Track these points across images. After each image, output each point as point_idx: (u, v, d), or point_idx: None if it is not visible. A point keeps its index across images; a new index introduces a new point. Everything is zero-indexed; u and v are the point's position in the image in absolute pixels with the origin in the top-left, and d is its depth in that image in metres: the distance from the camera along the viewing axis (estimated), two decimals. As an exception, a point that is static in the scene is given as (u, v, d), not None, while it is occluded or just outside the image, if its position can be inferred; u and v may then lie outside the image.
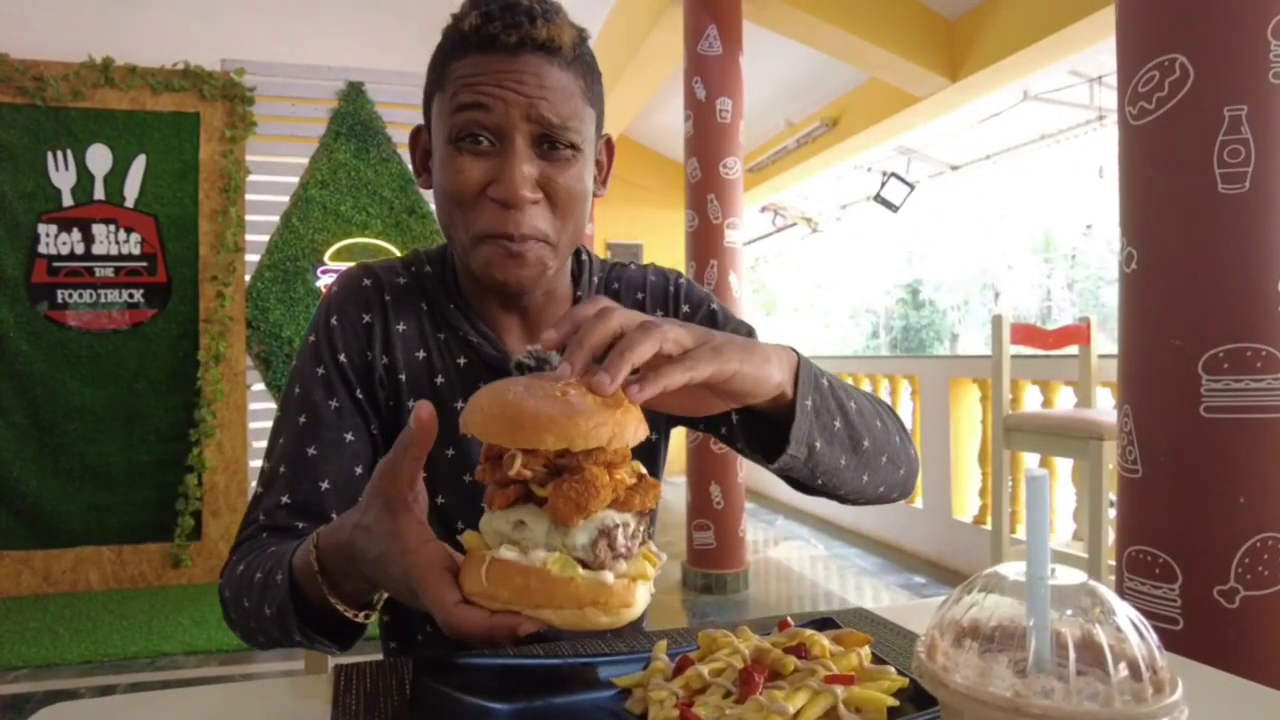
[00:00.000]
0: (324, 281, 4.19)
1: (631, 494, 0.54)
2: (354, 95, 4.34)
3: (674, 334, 0.59)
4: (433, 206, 4.35)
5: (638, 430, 0.53)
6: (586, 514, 0.51)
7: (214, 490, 4.05)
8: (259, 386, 4.16)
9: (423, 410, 0.56)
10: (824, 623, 0.74)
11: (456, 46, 0.79)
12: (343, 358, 0.87)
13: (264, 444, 3.76)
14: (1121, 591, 1.61)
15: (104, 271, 4.01)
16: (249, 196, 4.17)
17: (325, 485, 0.83)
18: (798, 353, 0.71)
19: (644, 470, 0.57)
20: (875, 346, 20.73)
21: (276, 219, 4.20)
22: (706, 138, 4.07)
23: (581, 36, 0.82)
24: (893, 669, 0.62)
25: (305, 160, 4.25)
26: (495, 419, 0.52)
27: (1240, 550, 1.45)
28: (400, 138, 4.37)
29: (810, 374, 0.71)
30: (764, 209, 9.20)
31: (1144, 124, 1.55)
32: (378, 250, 4.30)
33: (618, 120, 6.48)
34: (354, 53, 4.83)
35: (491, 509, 0.55)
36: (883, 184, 6.95)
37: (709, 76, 4.06)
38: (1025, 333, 3.32)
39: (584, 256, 0.98)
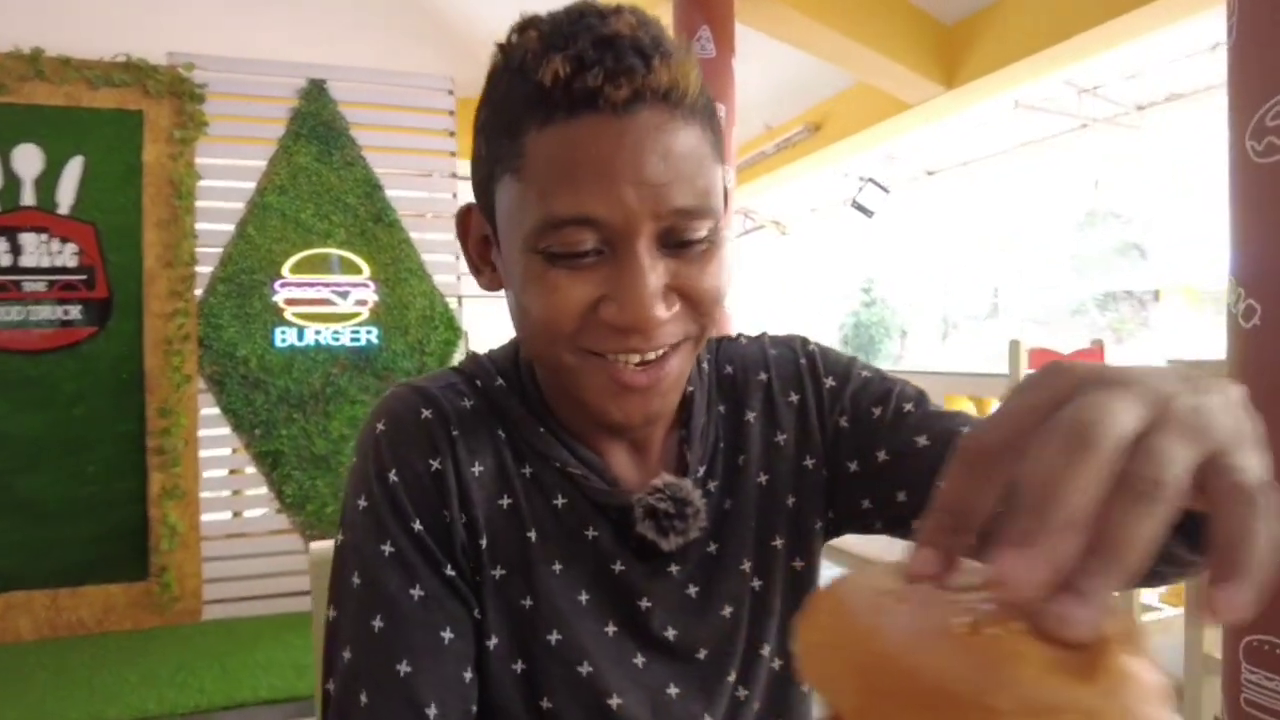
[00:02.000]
0: (282, 296, 3.86)
1: None
2: (316, 93, 4.00)
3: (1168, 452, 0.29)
4: (402, 214, 4.07)
5: None
6: None
7: (162, 524, 3.69)
8: (211, 410, 3.81)
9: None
10: None
11: (532, 107, 0.55)
12: (418, 526, 0.62)
13: (217, 473, 3.33)
14: (1239, 686, 1.44)
15: (34, 286, 3.61)
16: (200, 203, 3.81)
17: (433, 711, 0.60)
18: None
19: None
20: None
21: (231, 228, 3.84)
22: (700, 146, 3.86)
23: (698, 65, 0.58)
24: None
25: (262, 164, 3.90)
26: (878, 684, 0.28)
27: (1386, 648, 1.28)
28: (366, 139, 4.06)
29: None
30: (735, 211, 9.05)
31: (1271, 162, 1.37)
32: (341, 263, 3.97)
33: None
34: (315, 47, 4.49)
35: None
36: (860, 189, 6.83)
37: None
38: (1041, 356, 3.20)
39: None
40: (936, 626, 0.28)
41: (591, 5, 0.56)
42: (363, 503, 0.64)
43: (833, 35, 4.21)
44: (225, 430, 3.82)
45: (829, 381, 0.75)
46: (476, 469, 0.65)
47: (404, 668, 0.60)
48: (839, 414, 0.73)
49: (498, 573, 0.65)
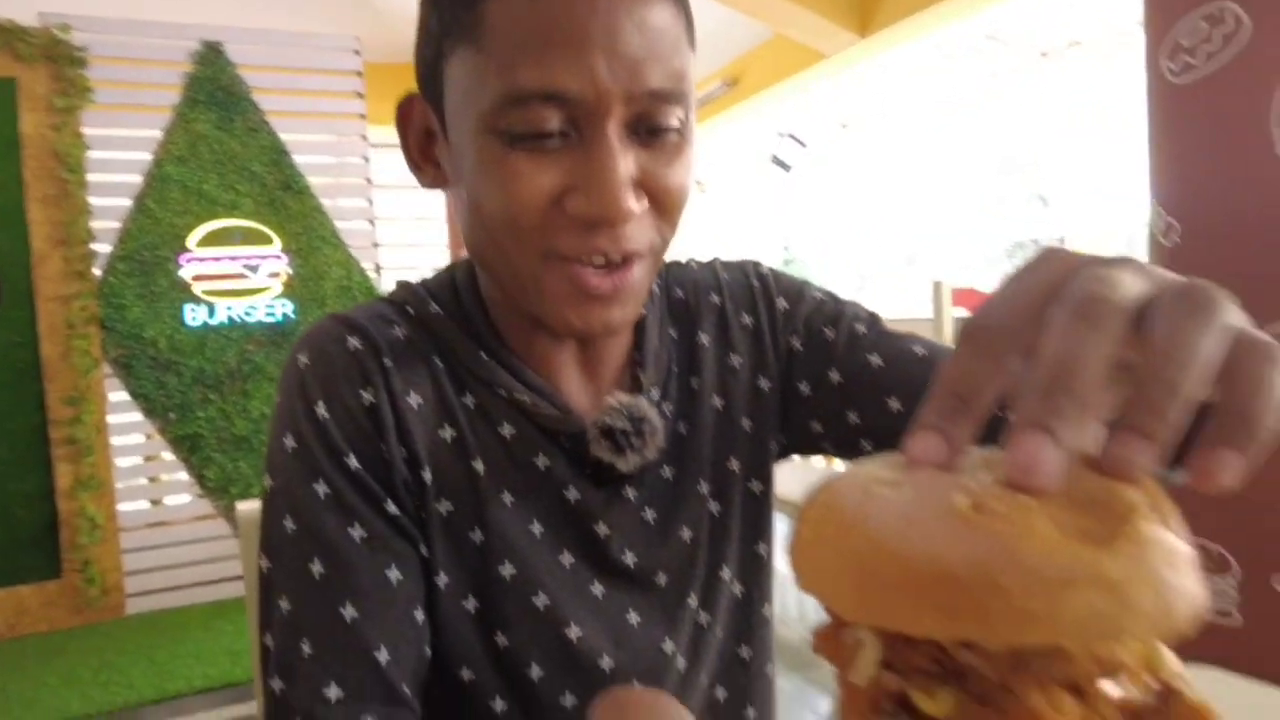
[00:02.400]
0: (189, 272, 3.65)
1: None
2: (211, 57, 3.77)
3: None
4: (312, 181, 3.89)
5: (1171, 601, 0.24)
6: None
7: (78, 517, 3.49)
8: (120, 396, 3.60)
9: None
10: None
11: None
12: (353, 462, 0.58)
13: (130, 461, 3.15)
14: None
15: (-94, 273, 3.33)
16: (91, 177, 3.55)
17: (383, 655, 0.55)
18: None
19: (1176, 671, 0.27)
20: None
21: (128, 202, 3.60)
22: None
23: None
24: None
25: (158, 133, 3.66)
26: (872, 576, 0.25)
27: (1300, 540, 1.37)
28: (270, 104, 3.85)
29: None
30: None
31: (1187, 82, 1.41)
32: (250, 234, 3.78)
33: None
34: (204, 7, 4.21)
35: (847, 715, 0.29)
36: (778, 144, 6.87)
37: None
38: (965, 296, 3.29)
39: None
40: (935, 508, 0.25)
41: None
42: (290, 443, 0.59)
43: (748, -16, 4.19)
44: (136, 416, 3.62)
45: (781, 303, 0.73)
46: (413, 400, 0.61)
47: (349, 612, 0.55)
48: (792, 335, 0.72)
49: (444, 508, 0.61)
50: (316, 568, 0.56)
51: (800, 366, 0.71)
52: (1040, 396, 0.25)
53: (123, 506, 3.62)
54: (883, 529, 0.25)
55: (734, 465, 0.70)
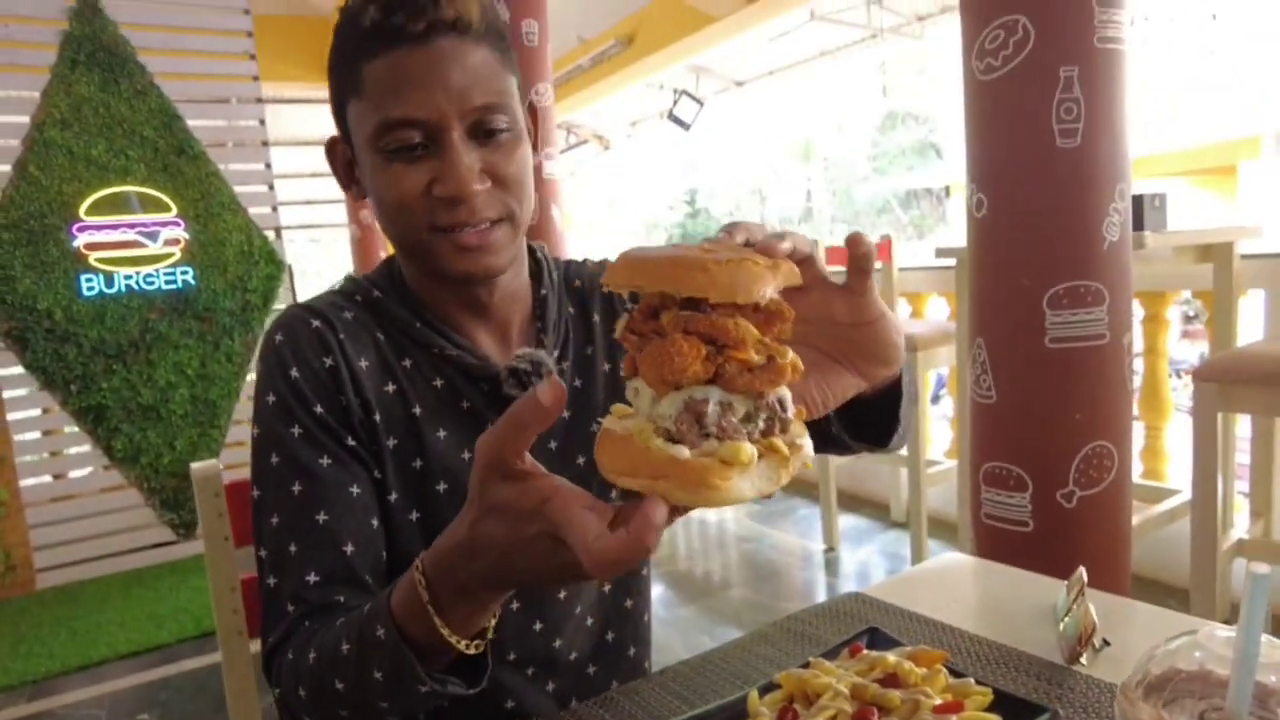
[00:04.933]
0: (82, 241, 3.59)
1: (740, 370, 0.46)
2: (88, 14, 3.65)
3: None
4: (205, 144, 3.84)
5: (739, 288, 0.45)
6: (672, 383, 0.47)
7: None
8: (14, 370, 3.55)
9: (555, 388, 0.49)
10: (871, 632, 0.78)
11: (361, 46, 0.74)
12: (319, 409, 0.78)
13: (29, 436, 3.24)
14: (979, 502, 1.83)
15: None
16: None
17: (349, 549, 0.76)
18: None
19: (789, 355, 0.49)
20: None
21: (7, 169, 3.50)
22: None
23: (485, 2, 0.77)
24: (972, 680, 0.66)
25: (36, 95, 3.55)
26: (618, 265, 0.48)
27: (1077, 458, 1.69)
28: (158, 65, 3.77)
29: None
30: (557, 126, 9.02)
31: (991, 79, 1.67)
32: (146, 200, 3.73)
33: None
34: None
35: (624, 374, 0.52)
36: (675, 102, 7.03)
37: (511, -2, 3.84)
38: (837, 253, 3.57)
39: (540, 255, 0.94)
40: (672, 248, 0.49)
41: None
42: (271, 398, 0.79)
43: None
44: (25, 391, 3.56)
45: None
46: (362, 364, 0.81)
47: (322, 517, 0.75)
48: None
49: (391, 442, 0.81)
50: (296, 488, 0.76)
51: None
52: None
53: (25, 482, 3.59)
54: (644, 252, 0.48)
55: None
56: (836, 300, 0.60)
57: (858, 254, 0.58)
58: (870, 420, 0.73)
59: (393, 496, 0.81)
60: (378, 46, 0.73)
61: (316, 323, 0.81)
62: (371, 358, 0.82)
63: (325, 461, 0.77)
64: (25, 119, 3.54)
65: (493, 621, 0.61)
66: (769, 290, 0.46)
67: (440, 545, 0.57)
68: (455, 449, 0.83)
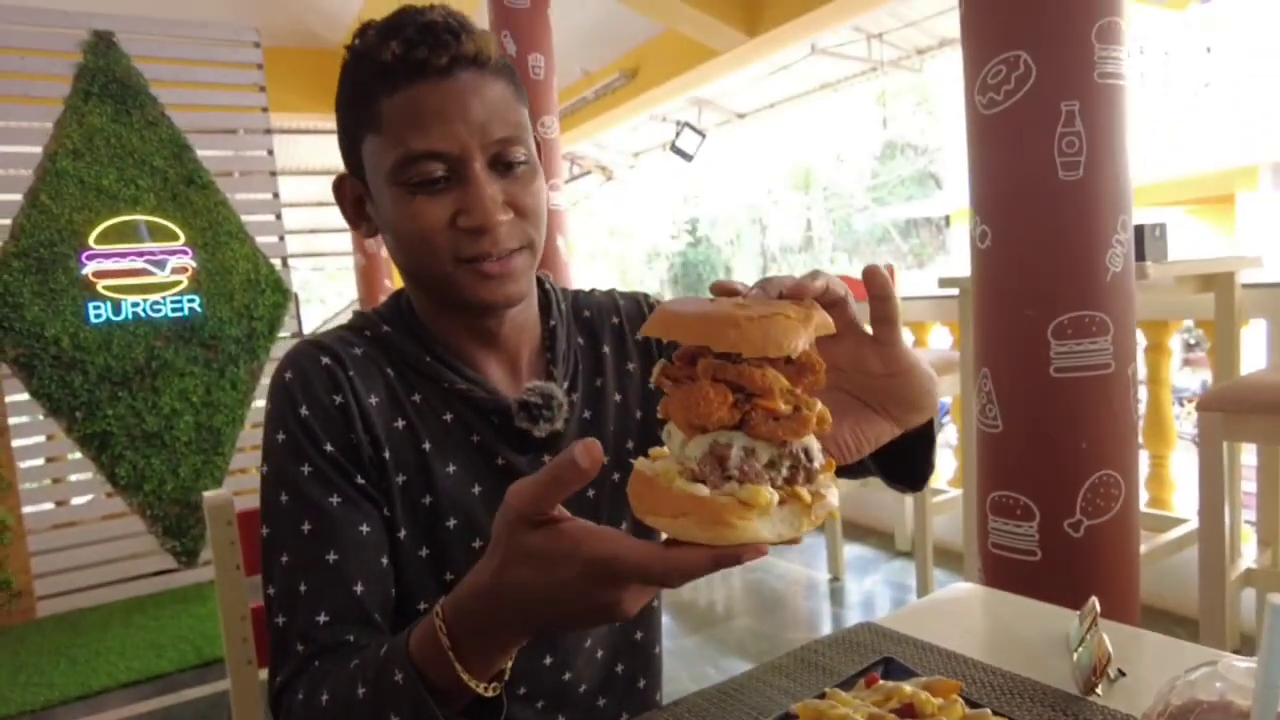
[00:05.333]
0: (91, 269, 3.62)
1: (765, 418, 0.48)
2: (103, 48, 3.71)
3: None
4: (214, 174, 3.89)
5: (772, 343, 0.46)
6: (699, 427, 0.49)
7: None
8: (20, 396, 3.56)
9: (594, 449, 0.50)
10: (886, 662, 0.78)
11: (379, 82, 0.75)
12: (329, 448, 0.78)
13: (33, 463, 3.24)
14: (986, 532, 1.83)
15: None
16: (-23, 172, 3.48)
17: (359, 588, 0.75)
18: None
19: (817, 406, 0.50)
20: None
21: (19, 198, 3.54)
22: (522, 97, 3.94)
23: (495, 39, 0.80)
24: (989, 710, 0.66)
25: (49, 126, 3.60)
26: (656, 319, 0.50)
27: (1084, 487, 1.70)
28: (169, 97, 3.83)
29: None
30: (561, 157, 9.12)
31: (993, 114, 1.70)
32: (155, 229, 3.76)
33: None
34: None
35: (660, 416, 0.54)
36: (677, 134, 7.11)
37: (518, 31, 3.90)
38: (845, 282, 3.60)
39: (548, 285, 0.94)
40: (702, 302, 0.50)
41: (411, 5, 0.77)
42: (281, 436, 0.78)
43: (641, -15, 4.38)
44: (29, 418, 3.57)
45: None
46: (372, 400, 0.81)
47: (333, 556, 0.75)
48: (672, 347, 0.97)
49: (400, 479, 0.80)
50: (306, 526, 0.76)
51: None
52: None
53: (28, 509, 3.58)
54: (681, 306, 0.50)
55: (630, 444, 0.93)
56: (868, 350, 0.61)
57: (878, 299, 0.59)
58: (904, 463, 0.74)
59: (402, 533, 0.81)
60: (398, 81, 0.73)
61: (326, 359, 0.81)
62: (381, 394, 0.82)
63: (335, 500, 0.77)
64: (38, 149, 3.58)
65: (509, 663, 0.61)
66: (800, 343, 0.47)
67: (461, 593, 0.57)
68: (465, 483, 0.83)
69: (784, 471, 0.50)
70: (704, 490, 0.47)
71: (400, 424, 0.81)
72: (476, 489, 0.83)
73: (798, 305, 0.50)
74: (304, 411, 0.78)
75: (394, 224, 0.78)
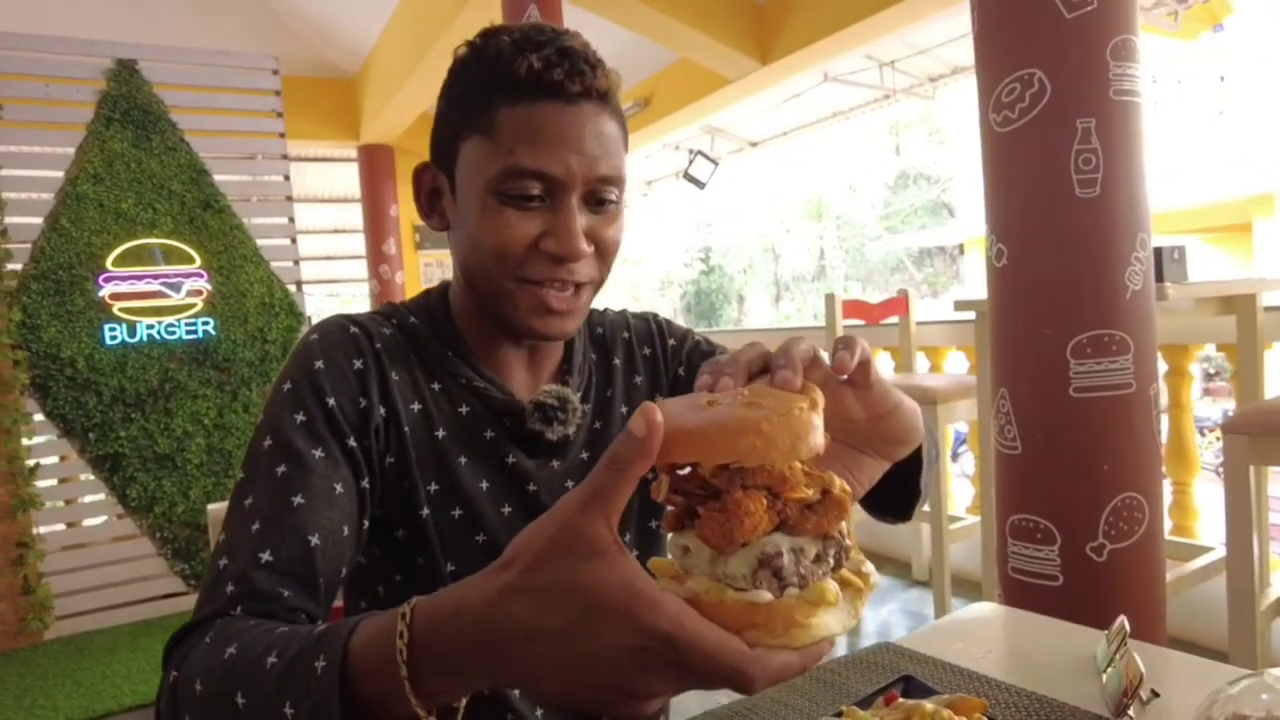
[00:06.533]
0: (108, 291, 3.65)
1: (806, 515, 0.47)
2: (126, 75, 3.78)
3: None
4: (230, 199, 3.93)
5: (800, 441, 0.44)
6: (740, 543, 0.45)
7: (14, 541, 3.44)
8: (35, 417, 3.57)
9: (652, 413, 0.42)
10: (905, 680, 0.75)
11: (502, 89, 0.75)
12: (331, 402, 0.76)
13: (48, 484, 3.17)
14: (1006, 556, 1.79)
15: None
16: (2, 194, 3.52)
17: (314, 540, 0.68)
18: None
19: (837, 483, 0.49)
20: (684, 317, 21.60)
21: (39, 221, 3.58)
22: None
23: (619, 78, 0.81)
24: (1014, 730, 0.63)
25: (71, 150, 3.65)
26: (669, 445, 0.46)
27: (1106, 510, 1.66)
28: (188, 123, 3.88)
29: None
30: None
31: (1008, 131, 1.69)
32: (171, 252, 3.80)
33: (426, 104, 6.15)
34: (116, 24, 4.20)
35: (664, 529, 0.50)
36: (690, 162, 7.15)
37: (534, 59, 3.93)
38: (854, 307, 3.58)
39: None
40: (695, 404, 0.48)
41: (547, 25, 0.78)
42: (287, 386, 0.76)
43: (654, 14, 4.43)
44: (48, 437, 3.58)
45: (671, 341, 1.00)
46: (395, 376, 0.81)
47: (298, 499, 0.70)
48: (678, 365, 0.99)
49: (414, 455, 0.80)
50: (281, 469, 0.71)
51: (683, 387, 0.97)
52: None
53: (41, 529, 3.58)
54: (685, 418, 0.46)
55: None
56: (848, 398, 0.58)
57: (859, 362, 0.56)
58: (892, 494, 0.72)
59: (400, 533, 0.80)
60: (523, 94, 0.74)
61: (354, 329, 0.81)
62: (404, 375, 0.82)
63: (318, 453, 0.73)
64: (59, 174, 3.63)
65: (463, 701, 0.51)
66: (822, 435, 0.46)
67: (443, 605, 0.47)
68: (474, 477, 0.83)
69: (830, 561, 0.48)
70: (765, 595, 0.45)
71: (417, 407, 0.82)
72: (484, 484, 0.83)
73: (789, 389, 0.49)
74: (318, 365, 0.77)
75: (475, 228, 0.77)
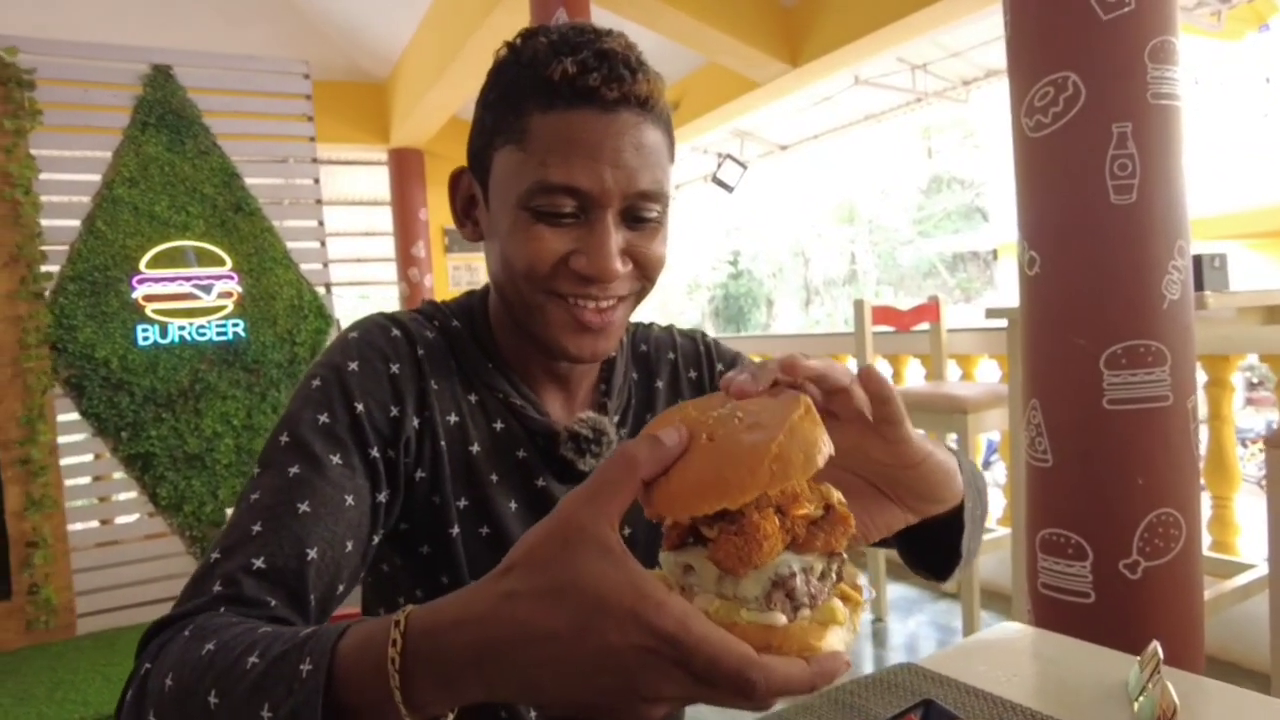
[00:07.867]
0: (141, 293, 3.71)
1: (814, 532, 0.47)
2: (161, 80, 3.84)
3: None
4: (261, 202, 3.98)
5: (813, 453, 0.44)
6: (754, 565, 0.45)
7: (29, 537, 3.51)
8: (71, 416, 3.64)
9: (676, 432, 0.44)
10: (926, 705, 0.72)
11: (539, 95, 0.70)
12: (359, 406, 0.72)
13: (81, 481, 3.16)
14: (1035, 571, 1.74)
15: None
16: (40, 198, 3.60)
17: (311, 554, 0.65)
18: None
19: (836, 497, 0.48)
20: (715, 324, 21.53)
21: (76, 224, 3.65)
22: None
23: (664, 83, 0.76)
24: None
25: (108, 155, 3.72)
26: (696, 498, 0.46)
27: (1140, 526, 1.60)
28: (220, 126, 3.94)
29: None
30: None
31: (1041, 136, 1.65)
32: (203, 254, 3.85)
33: (455, 107, 6.19)
34: (152, 30, 4.27)
35: (664, 548, 0.50)
36: (719, 165, 7.11)
37: (562, 63, 3.94)
38: (883, 313, 3.52)
39: None
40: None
41: (590, 25, 0.73)
42: (316, 383, 0.73)
43: (682, 17, 4.41)
44: (82, 436, 3.65)
45: (719, 365, 0.95)
46: (434, 385, 0.77)
47: (304, 506, 0.66)
48: None
49: (448, 471, 0.77)
50: (294, 470, 0.67)
51: None
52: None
53: (73, 526, 3.65)
54: (695, 463, 0.46)
55: None
56: (872, 440, 0.54)
57: (878, 401, 0.52)
58: (927, 551, 0.68)
59: (455, 530, 0.78)
60: (557, 101, 0.69)
61: (396, 331, 0.78)
62: (443, 384, 0.79)
63: (335, 459, 0.69)
64: (96, 178, 3.70)
65: (453, 712, 0.49)
66: (826, 436, 0.45)
67: (443, 614, 0.45)
68: (504, 495, 0.80)
69: (834, 577, 0.48)
70: (780, 618, 0.44)
71: (454, 419, 0.78)
72: (513, 505, 0.80)
73: (775, 395, 0.48)
74: (352, 366, 0.74)
75: (506, 243, 0.73)
